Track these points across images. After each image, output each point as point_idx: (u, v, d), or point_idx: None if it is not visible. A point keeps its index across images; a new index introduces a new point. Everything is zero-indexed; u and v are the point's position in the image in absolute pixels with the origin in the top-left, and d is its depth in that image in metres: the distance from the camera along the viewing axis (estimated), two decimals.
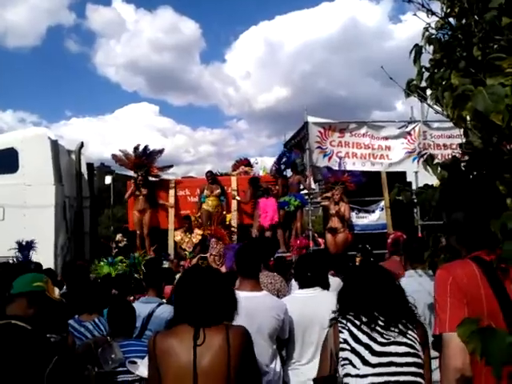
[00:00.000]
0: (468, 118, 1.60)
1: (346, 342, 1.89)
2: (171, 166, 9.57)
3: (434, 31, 2.57)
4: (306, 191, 9.12)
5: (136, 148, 8.86)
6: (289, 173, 9.29)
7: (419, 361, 1.90)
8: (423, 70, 2.82)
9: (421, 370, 1.90)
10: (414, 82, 2.88)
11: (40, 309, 2.14)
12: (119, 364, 2.53)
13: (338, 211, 8.10)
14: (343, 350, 1.90)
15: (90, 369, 2.45)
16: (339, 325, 1.95)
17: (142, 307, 3.16)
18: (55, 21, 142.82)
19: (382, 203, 9.14)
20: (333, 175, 8.47)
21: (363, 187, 8.76)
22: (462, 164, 2.40)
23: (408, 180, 9.31)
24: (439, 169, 2.66)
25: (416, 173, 9.07)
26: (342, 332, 1.92)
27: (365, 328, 1.90)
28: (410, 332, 1.91)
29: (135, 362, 2.52)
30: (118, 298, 3.50)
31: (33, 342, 1.95)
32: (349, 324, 1.93)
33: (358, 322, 1.92)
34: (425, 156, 2.86)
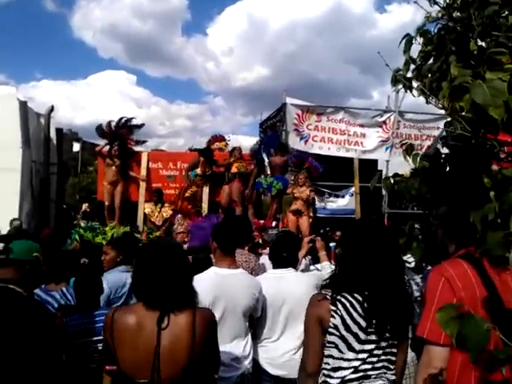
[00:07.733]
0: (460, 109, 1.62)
1: (335, 327, 1.86)
2: (145, 141, 9.51)
3: (426, 22, 2.60)
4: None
5: (120, 119, 8.86)
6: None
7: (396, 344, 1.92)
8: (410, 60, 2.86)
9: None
10: (401, 72, 2.93)
11: (33, 277, 2.18)
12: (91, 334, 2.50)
13: (301, 194, 7.83)
14: (331, 334, 1.87)
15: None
16: (332, 307, 1.87)
17: (128, 276, 3.17)
18: None
19: (352, 189, 9.30)
20: (297, 159, 8.30)
21: (335, 172, 8.88)
22: (442, 156, 2.47)
23: (379, 168, 9.53)
24: (418, 159, 2.74)
25: (387, 161, 9.28)
26: (334, 317, 1.86)
27: (356, 317, 1.86)
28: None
29: None
30: (85, 269, 3.45)
31: (30, 309, 1.96)
32: (343, 311, 1.86)
33: (351, 310, 1.86)
34: (404, 146, 2.94)
